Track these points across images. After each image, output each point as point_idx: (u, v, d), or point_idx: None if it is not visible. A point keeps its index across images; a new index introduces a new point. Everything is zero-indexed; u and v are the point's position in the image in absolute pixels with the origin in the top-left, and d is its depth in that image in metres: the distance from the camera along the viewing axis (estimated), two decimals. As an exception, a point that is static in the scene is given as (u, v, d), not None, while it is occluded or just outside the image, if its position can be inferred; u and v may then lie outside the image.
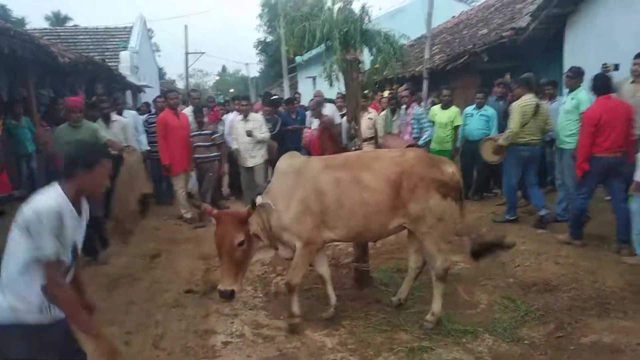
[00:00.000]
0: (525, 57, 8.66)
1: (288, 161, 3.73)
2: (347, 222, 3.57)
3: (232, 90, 48.44)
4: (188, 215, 6.88)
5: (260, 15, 38.01)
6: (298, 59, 20.58)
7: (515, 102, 5.67)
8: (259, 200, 3.42)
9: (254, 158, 7.02)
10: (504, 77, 8.16)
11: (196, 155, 6.91)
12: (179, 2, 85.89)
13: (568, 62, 7.47)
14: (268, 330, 3.74)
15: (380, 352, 3.32)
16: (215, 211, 3.45)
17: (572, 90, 5.60)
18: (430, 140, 7.19)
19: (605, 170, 4.79)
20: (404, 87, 8.05)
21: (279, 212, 3.51)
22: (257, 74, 46.62)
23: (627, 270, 4.38)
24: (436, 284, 3.64)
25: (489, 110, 7.12)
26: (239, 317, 3.97)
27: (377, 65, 3.74)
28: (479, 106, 7.14)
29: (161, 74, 33.98)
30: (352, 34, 3.62)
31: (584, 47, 7.09)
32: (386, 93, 8.85)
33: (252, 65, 43.07)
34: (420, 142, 6.92)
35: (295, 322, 3.67)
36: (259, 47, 39.51)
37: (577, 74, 5.59)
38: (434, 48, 11.40)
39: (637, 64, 5.06)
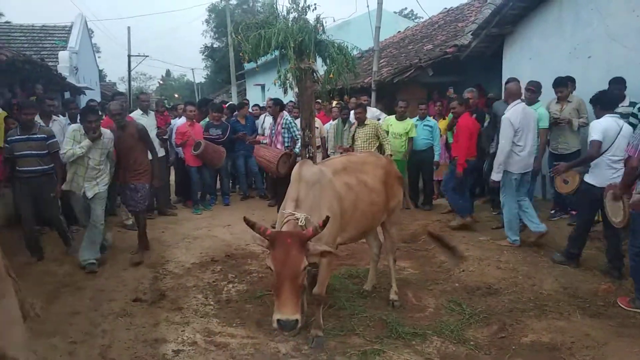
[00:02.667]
0: (468, 72, 9.12)
1: (311, 170, 3.50)
2: (357, 223, 3.75)
3: (176, 95, 47.37)
4: (129, 222, 6.67)
5: (207, 21, 37.53)
6: (249, 65, 20.48)
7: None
8: (300, 217, 3.11)
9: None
10: (448, 91, 8.57)
11: (23, 168, 5.10)
12: (122, 3, 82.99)
13: (505, 79, 7.95)
14: (221, 338, 3.69)
15: (334, 356, 3.37)
16: (270, 231, 2.91)
17: (530, 104, 5.68)
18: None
19: None
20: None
21: (313, 223, 3.12)
22: (203, 80, 45.89)
23: (561, 274, 4.71)
24: (394, 265, 4.34)
25: (431, 121, 7.47)
26: (190, 325, 3.89)
27: (331, 75, 3.82)
28: (422, 117, 7.46)
29: (102, 76, 32.65)
30: (307, 43, 3.69)
31: (520, 66, 7.57)
32: (334, 103, 8.99)
33: (197, 71, 42.38)
34: (297, 149, 6.71)
35: (321, 334, 3.55)
36: (205, 53, 38.94)
37: (538, 89, 5.85)
38: (381, 61, 11.74)
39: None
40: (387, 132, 7.23)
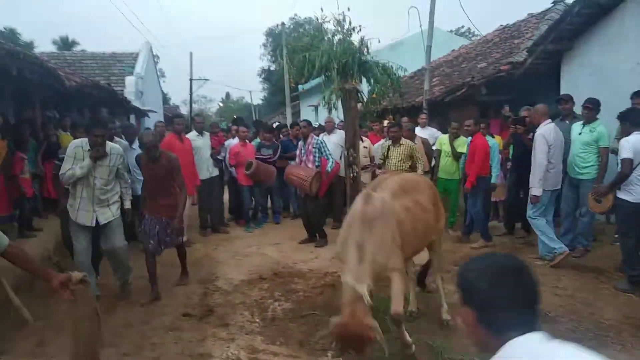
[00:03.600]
0: (522, 90, 8.83)
1: (373, 204, 3.36)
2: (412, 244, 3.72)
3: (235, 116, 48.97)
4: (185, 239, 6.90)
5: (264, 45, 38.88)
6: (299, 87, 20.95)
7: None
8: (363, 290, 2.97)
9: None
10: (504, 109, 8.33)
11: None
12: (186, 30, 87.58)
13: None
14: (264, 355, 3.72)
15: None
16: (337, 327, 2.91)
17: (588, 121, 5.58)
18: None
19: None
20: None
21: (378, 264, 3.20)
22: (260, 102, 47.29)
23: (624, 302, 4.40)
24: (443, 285, 4.25)
25: (491, 141, 7.16)
26: (235, 341, 3.96)
27: (374, 95, 3.85)
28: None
29: (165, 99, 34.44)
30: (351, 64, 3.74)
31: (578, 83, 7.25)
32: (386, 122, 8.99)
33: (255, 93, 43.79)
34: (329, 168, 6.83)
35: (411, 351, 3.53)
36: (262, 75, 40.24)
37: (595, 106, 5.59)
38: (434, 80, 11.64)
39: (637, 103, 5.22)
40: (441, 151, 7.10)
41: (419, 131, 7.82)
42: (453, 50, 16.56)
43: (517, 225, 6.99)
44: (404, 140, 6.77)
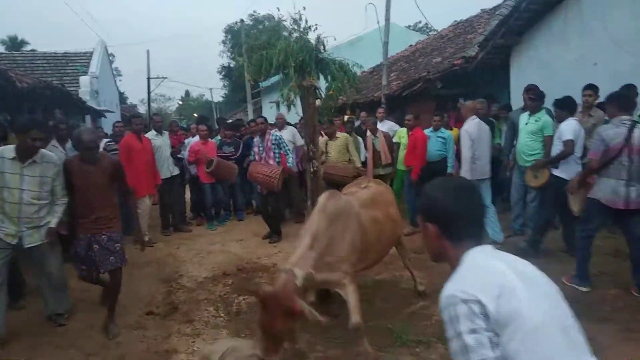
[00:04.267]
0: (476, 84, 9.18)
1: (337, 202, 3.50)
2: (379, 252, 3.93)
3: (195, 115, 48.26)
4: (147, 239, 6.85)
5: (224, 42, 38.45)
6: (264, 84, 20.91)
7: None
8: (299, 272, 2.96)
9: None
10: (459, 102, 8.62)
11: None
12: (142, 28, 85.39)
13: (514, 89, 8.02)
14: (229, 348, 3.79)
15: (339, 365, 3.44)
16: (261, 291, 2.90)
17: (534, 112, 5.87)
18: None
19: None
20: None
21: (329, 258, 3.26)
22: (221, 99, 46.77)
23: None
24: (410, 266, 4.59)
25: (445, 133, 7.48)
26: (201, 336, 4.00)
27: (331, 92, 3.96)
28: (436, 129, 7.48)
29: (123, 98, 33.60)
30: (308, 62, 3.84)
31: (527, 75, 7.62)
32: (346, 117, 9.14)
33: (216, 90, 43.28)
34: (289, 164, 6.95)
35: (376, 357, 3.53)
36: (223, 73, 39.80)
37: (538, 97, 5.91)
38: (391, 75, 11.89)
39: (587, 95, 5.54)
40: (399, 144, 7.34)
41: (378, 125, 8.03)
42: (410, 45, 16.92)
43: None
44: (339, 134, 7.30)
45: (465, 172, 5.90)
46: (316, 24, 4.45)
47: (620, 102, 4.40)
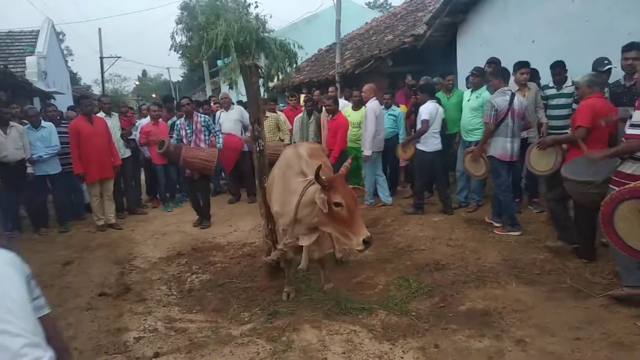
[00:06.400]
0: (426, 61, 9.40)
1: (303, 147, 4.15)
2: None
3: (154, 95, 47.03)
4: (100, 223, 6.83)
5: (180, 20, 37.34)
6: (219, 62, 20.57)
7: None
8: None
9: None
10: (406, 78, 8.83)
11: None
12: (92, 5, 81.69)
13: (461, 65, 8.27)
14: (181, 324, 3.90)
15: (284, 333, 3.62)
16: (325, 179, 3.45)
17: (476, 88, 6.22)
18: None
19: None
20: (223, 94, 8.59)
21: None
22: (180, 78, 45.66)
23: (504, 247, 5.03)
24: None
25: (396, 110, 7.66)
26: (152, 314, 4.10)
27: (273, 72, 4.03)
28: (387, 106, 7.64)
29: (75, 79, 32.37)
30: (249, 42, 3.89)
31: (473, 52, 7.88)
32: (302, 96, 9.20)
33: (174, 70, 42.14)
34: (219, 145, 6.91)
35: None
36: (179, 52, 38.73)
37: (481, 74, 6.20)
38: (346, 53, 11.98)
39: (525, 73, 5.75)
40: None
41: None
42: (366, 23, 17.00)
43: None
44: (268, 114, 7.55)
45: (367, 144, 6.73)
46: (256, 2, 4.52)
47: (503, 76, 5.38)
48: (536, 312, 3.67)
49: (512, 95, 5.24)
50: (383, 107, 7.64)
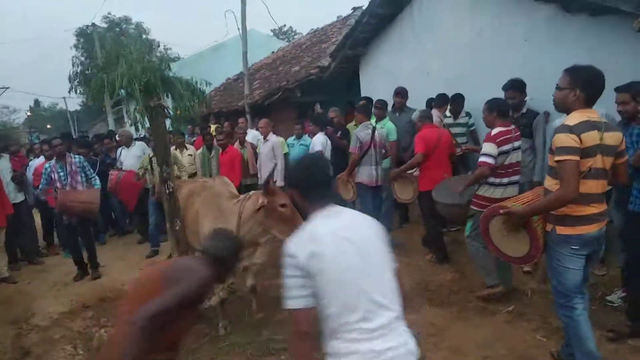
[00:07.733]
0: (333, 91, 9.73)
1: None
2: None
3: (49, 126, 43.70)
4: (5, 275, 6.22)
5: (76, 46, 35.42)
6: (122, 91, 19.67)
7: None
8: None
9: None
10: (314, 107, 9.06)
11: None
12: (-26, 30, 74.82)
13: (364, 96, 8.64)
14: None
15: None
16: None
17: (379, 119, 6.43)
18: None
19: None
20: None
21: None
22: (79, 107, 42.92)
23: (415, 270, 5.27)
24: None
25: (307, 140, 7.76)
26: (57, 379, 3.75)
27: (178, 112, 3.96)
28: (299, 136, 7.75)
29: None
30: (153, 82, 3.79)
31: (374, 84, 8.29)
32: (213, 128, 9.07)
33: (72, 99, 39.47)
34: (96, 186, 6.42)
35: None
36: (77, 80, 36.51)
37: (384, 106, 6.52)
38: (255, 83, 12.06)
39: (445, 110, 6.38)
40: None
41: None
42: (273, 52, 17.27)
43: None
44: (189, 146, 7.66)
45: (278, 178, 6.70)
46: (158, 42, 4.44)
47: (365, 112, 6.08)
48: (449, 334, 3.88)
49: (374, 129, 5.86)
50: (294, 137, 7.75)
